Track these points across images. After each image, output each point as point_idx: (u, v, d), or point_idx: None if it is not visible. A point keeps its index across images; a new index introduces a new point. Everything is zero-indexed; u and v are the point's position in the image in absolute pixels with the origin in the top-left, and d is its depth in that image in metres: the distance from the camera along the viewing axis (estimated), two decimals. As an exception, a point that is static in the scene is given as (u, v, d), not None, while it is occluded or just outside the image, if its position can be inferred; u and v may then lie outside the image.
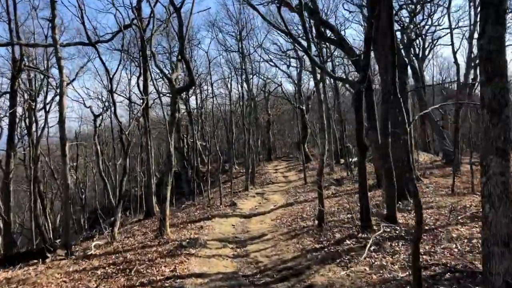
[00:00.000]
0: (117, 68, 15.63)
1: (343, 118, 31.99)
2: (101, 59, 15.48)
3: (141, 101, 20.83)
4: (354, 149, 36.06)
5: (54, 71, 26.73)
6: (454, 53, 22.44)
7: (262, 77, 37.89)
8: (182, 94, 30.88)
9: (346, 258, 8.60)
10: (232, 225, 15.59)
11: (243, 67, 27.88)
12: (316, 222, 13.07)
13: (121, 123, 15.68)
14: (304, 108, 34.42)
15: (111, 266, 9.50)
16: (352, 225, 11.30)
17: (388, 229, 10.24)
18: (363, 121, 10.14)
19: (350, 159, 29.20)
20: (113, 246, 13.07)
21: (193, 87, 25.14)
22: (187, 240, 11.64)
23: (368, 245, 8.51)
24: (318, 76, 16.33)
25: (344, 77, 39.36)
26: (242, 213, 17.84)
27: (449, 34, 25.43)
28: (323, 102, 11.56)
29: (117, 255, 11.37)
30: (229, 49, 30.90)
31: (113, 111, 15.15)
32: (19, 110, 26.93)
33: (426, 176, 20.58)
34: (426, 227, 10.34)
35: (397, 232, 10.03)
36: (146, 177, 21.87)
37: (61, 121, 12.33)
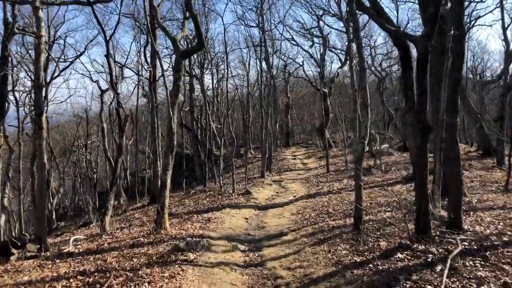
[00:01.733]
0: (114, 30, 13.12)
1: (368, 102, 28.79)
2: (97, 19, 12.78)
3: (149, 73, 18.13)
4: (379, 136, 33.01)
5: (61, 42, 24.22)
6: (504, 29, 19.11)
7: (283, 58, 34.85)
8: (195, 72, 28.13)
9: (408, 286, 5.77)
10: (245, 218, 12.91)
11: (263, 43, 24.92)
12: (350, 221, 10.29)
13: (118, 94, 13.06)
14: (327, 91, 31.40)
15: (78, 278, 6.85)
16: (401, 230, 8.47)
17: (453, 239, 7.41)
18: (427, 91, 7.23)
19: (375, 147, 26.33)
20: (98, 242, 10.48)
21: (202, 51, 21.73)
22: (187, 240, 8.94)
23: (445, 272, 5.64)
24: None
25: (370, 62, 36.06)
26: (257, 204, 15.15)
27: (489, 14, 22.07)
28: (365, 69, 8.61)
29: (97, 256, 8.77)
30: (248, 24, 27.84)
31: (109, 79, 12.48)
32: (28, 83, 24.65)
33: (466, 169, 17.54)
34: (505, 238, 7.49)
35: (467, 244, 7.17)
36: (153, 159, 19.29)
37: (38, 86, 9.69)
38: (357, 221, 9.08)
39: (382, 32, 47.99)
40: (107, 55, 12.40)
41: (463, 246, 6.36)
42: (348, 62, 29.90)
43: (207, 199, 16.69)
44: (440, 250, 6.95)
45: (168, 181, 10.65)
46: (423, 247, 7.17)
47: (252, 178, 22.02)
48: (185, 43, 27.22)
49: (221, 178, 19.01)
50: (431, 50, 7.25)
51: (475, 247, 6.99)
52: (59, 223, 23.78)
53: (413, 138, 7.34)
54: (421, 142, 7.23)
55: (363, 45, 30.42)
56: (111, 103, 32.38)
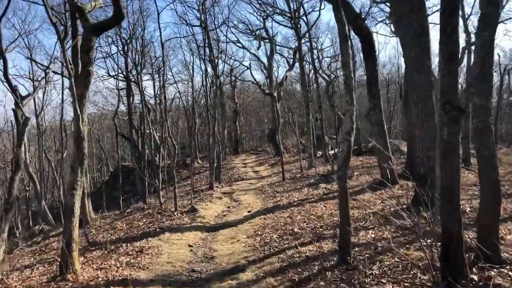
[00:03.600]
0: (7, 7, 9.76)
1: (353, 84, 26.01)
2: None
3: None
4: (330, 141, 30.79)
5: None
6: (465, 20, 17.26)
7: (228, 62, 31.94)
8: (133, 77, 24.54)
9: None
10: (189, 246, 9.78)
11: (206, 44, 21.89)
12: (327, 246, 7.52)
13: (16, 90, 9.67)
14: (275, 95, 28.81)
15: None
16: (406, 261, 5.76)
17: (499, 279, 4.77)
18: (457, 55, 4.54)
19: (327, 152, 24.09)
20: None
21: (119, 24, 17.45)
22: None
23: None
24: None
25: (317, 65, 33.88)
26: (205, 224, 12.05)
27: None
28: (348, 41, 5.83)
29: None
30: (190, 23, 24.64)
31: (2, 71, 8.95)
32: None
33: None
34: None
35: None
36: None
37: None
38: (344, 251, 6.27)
39: (329, 34, 46.63)
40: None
41: None
42: (298, 62, 27.64)
43: (144, 220, 13.34)
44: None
45: (77, 205, 7.33)
46: (462, 296, 4.44)
47: (200, 191, 18.84)
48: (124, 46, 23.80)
49: (160, 193, 15.62)
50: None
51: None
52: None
53: (439, 128, 4.56)
54: (451, 132, 4.52)
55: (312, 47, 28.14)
56: (39, 112, 28.05)
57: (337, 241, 8.24)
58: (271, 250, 8.40)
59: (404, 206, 10.24)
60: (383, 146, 14.32)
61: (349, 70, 6.15)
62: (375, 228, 8.77)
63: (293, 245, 8.39)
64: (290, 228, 9.93)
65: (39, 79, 23.28)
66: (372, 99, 14.34)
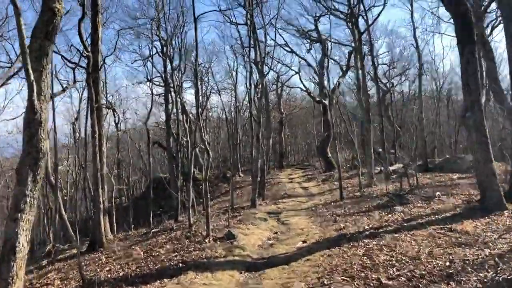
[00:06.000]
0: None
1: (382, 113, 21.93)
2: None
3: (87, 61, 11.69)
4: (387, 156, 26.61)
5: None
6: None
7: (274, 68, 28.63)
8: (172, 82, 21.69)
9: None
10: (219, 299, 6.30)
11: (252, 44, 18.58)
12: None
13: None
14: (327, 103, 25.08)
15: None
16: None
17: None
18: None
19: (389, 168, 20.07)
20: None
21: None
22: None
23: None
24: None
25: (372, 72, 29.87)
26: (245, 258, 8.54)
27: None
28: None
29: None
30: (235, 22, 21.64)
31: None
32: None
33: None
34: None
35: None
36: (93, 186, 12.61)
37: None
38: None
39: (386, 38, 42.78)
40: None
41: None
42: (353, 65, 23.82)
43: (168, 246, 10.01)
44: None
45: (23, 238, 4.05)
46: None
47: (240, 208, 15.46)
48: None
49: (190, 212, 12.25)
50: None
51: None
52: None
53: None
54: None
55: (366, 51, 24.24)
56: (75, 118, 25.62)
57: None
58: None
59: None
60: (484, 158, 10.40)
61: None
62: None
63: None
64: (373, 276, 6.27)
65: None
66: (469, 96, 10.50)
